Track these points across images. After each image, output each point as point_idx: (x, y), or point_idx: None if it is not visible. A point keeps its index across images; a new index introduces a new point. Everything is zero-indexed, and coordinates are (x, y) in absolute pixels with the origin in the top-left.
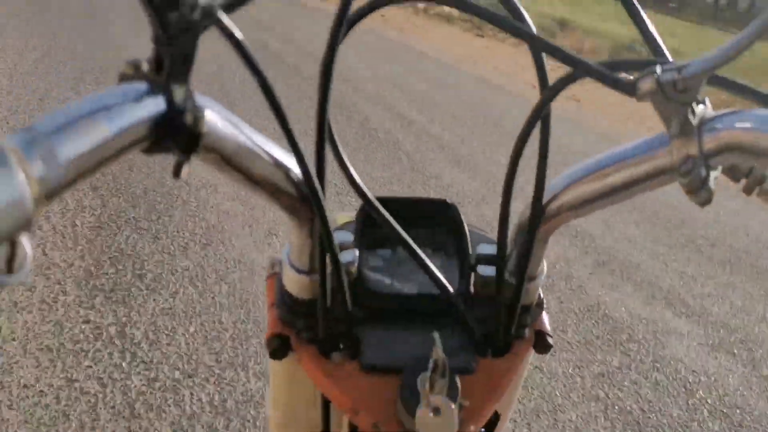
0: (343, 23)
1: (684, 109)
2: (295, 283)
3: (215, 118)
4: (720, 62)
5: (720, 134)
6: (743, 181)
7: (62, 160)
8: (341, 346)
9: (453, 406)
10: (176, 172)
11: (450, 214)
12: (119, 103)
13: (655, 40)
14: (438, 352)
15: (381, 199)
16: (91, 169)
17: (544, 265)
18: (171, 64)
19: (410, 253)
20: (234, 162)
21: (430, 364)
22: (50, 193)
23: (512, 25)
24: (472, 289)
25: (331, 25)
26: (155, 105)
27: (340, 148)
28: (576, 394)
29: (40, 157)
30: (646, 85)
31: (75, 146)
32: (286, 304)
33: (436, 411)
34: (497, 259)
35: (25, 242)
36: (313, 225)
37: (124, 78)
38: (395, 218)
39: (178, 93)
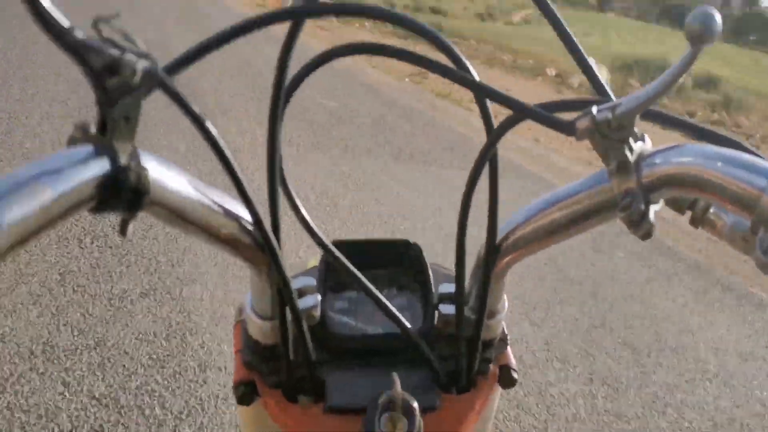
0: (283, 78)
1: (621, 146)
2: (258, 329)
3: (160, 175)
4: (650, 99)
5: (657, 169)
6: (689, 213)
7: (5, 225)
8: (306, 389)
9: None
10: (122, 230)
11: (412, 254)
12: (64, 166)
13: (596, 78)
14: (396, 391)
15: (343, 243)
16: (35, 232)
17: (505, 300)
18: (114, 126)
19: (369, 295)
20: (183, 215)
21: (389, 404)
22: None
23: (457, 74)
24: (436, 327)
25: (274, 77)
26: (100, 166)
27: (293, 194)
28: None
29: None
30: (583, 124)
31: (19, 210)
32: (251, 350)
33: None
34: (457, 297)
35: None
36: (270, 272)
37: (72, 141)
38: (359, 261)
39: (123, 153)
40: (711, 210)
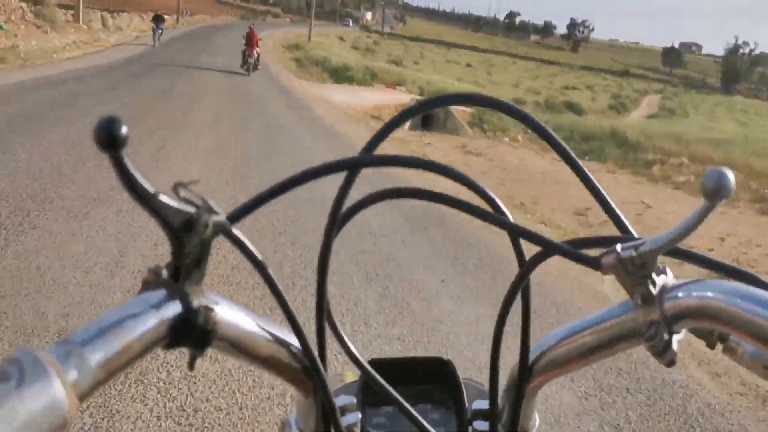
0: (337, 219)
1: (644, 280)
2: None
3: (224, 312)
4: (672, 241)
5: (679, 302)
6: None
7: (93, 365)
8: None
9: None
10: (191, 365)
11: (446, 371)
12: (142, 311)
13: (618, 216)
14: None
15: (379, 362)
16: (118, 370)
17: (536, 417)
18: (187, 273)
19: (404, 413)
20: (242, 348)
21: None
22: (83, 396)
23: (492, 216)
24: None
25: (327, 222)
26: (172, 309)
27: (338, 325)
28: None
29: (74, 365)
30: (609, 260)
31: (104, 352)
32: None
33: None
34: (491, 415)
35: None
36: (315, 393)
37: (146, 284)
38: (394, 379)
39: (193, 297)
40: (732, 338)
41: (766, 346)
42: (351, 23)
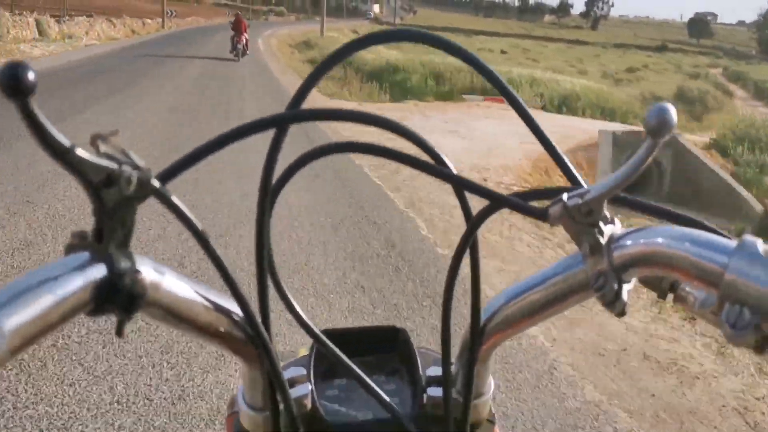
0: (270, 179)
1: (592, 230)
2: (250, 421)
3: (154, 277)
4: (617, 186)
5: (627, 250)
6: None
7: (6, 331)
8: None
9: None
10: (119, 331)
11: (400, 339)
12: (62, 273)
13: (567, 167)
14: None
15: (332, 332)
16: (36, 336)
17: (491, 381)
18: (110, 234)
19: (359, 382)
20: (177, 314)
21: None
22: None
23: (436, 169)
24: (425, 410)
25: (261, 177)
26: (97, 272)
27: (283, 285)
28: None
29: None
30: (556, 211)
31: (19, 318)
32: None
33: None
34: (443, 380)
35: None
36: (262, 364)
37: (70, 248)
38: (347, 349)
39: (119, 259)
40: (681, 286)
41: (714, 290)
42: (372, 14)
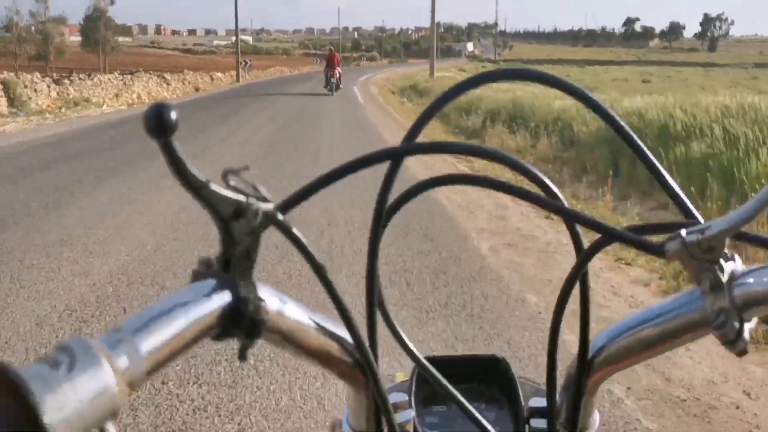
0: (383, 211)
1: (712, 266)
2: None
3: (274, 303)
4: (739, 223)
5: (750, 289)
6: None
7: (143, 354)
8: None
9: None
10: (242, 356)
11: (501, 369)
12: (192, 300)
13: (683, 202)
14: None
15: (434, 359)
16: (168, 359)
17: (596, 415)
18: (236, 263)
19: (462, 409)
20: (293, 340)
21: None
22: (133, 384)
23: (546, 201)
24: None
25: (375, 207)
26: (222, 299)
27: (390, 315)
28: None
29: (125, 353)
30: (673, 247)
31: (154, 341)
32: None
33: None
34: (549, 412)
35: (112, 429)
36: (368, 389)
37: (196, 275)
38: (447, 376)
39: (243, 286)
40: None
41: None
42: (469, 52)
